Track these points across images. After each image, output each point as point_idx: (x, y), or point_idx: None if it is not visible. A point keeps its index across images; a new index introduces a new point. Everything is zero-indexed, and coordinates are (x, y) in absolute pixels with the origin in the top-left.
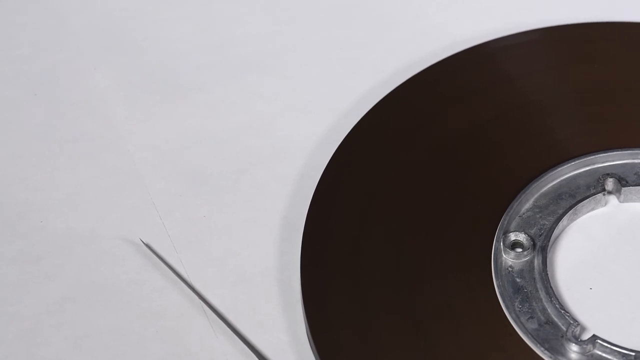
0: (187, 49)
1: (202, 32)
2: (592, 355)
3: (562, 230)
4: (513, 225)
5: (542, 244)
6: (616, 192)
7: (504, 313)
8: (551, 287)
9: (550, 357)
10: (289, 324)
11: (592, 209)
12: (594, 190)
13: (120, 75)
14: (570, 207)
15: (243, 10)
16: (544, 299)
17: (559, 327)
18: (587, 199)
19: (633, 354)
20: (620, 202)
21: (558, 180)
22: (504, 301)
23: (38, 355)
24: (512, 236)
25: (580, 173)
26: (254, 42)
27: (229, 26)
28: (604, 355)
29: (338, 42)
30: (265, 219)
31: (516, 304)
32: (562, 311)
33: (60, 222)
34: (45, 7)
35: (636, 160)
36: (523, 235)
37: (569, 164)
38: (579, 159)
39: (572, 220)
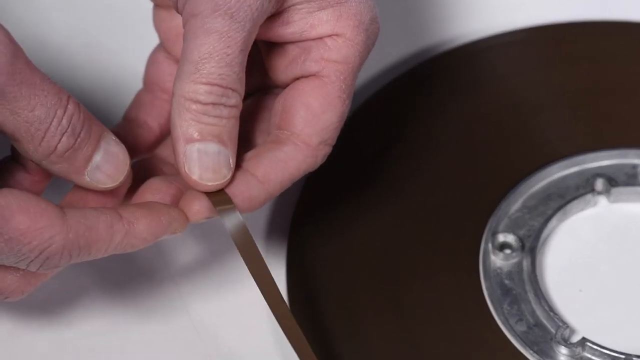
0: None
1: None
2: (581, 358)
3: (552, 231)
4: (502, 226)
5: (531, 245)
6: (606, 192)
7: (493, 315)
8: (540, 289)
9: None
10: (274, 328)
11: (582, 210)
12: (583, 191)
13: (105, 75)
14: (560, 208)
15: None
16: (533, 301)
17: (548, 330)
18: (577, 200)
19: (623, 356)
20: (609, 202)
21: (547, 180)
22: (492, 303)
23: (22, 357)
24: (501, 237)
25: (569, 173)
26: None
27: None
28: (593, 358)
29: None
30: (250, 222)
31: (505, 306)
32: (551, 313)
33: None
34: (27, 7)
35: (626, 161)
36: (512, 236)
37: (558, 164)
38: (568, 159)
39: (561, 221)
